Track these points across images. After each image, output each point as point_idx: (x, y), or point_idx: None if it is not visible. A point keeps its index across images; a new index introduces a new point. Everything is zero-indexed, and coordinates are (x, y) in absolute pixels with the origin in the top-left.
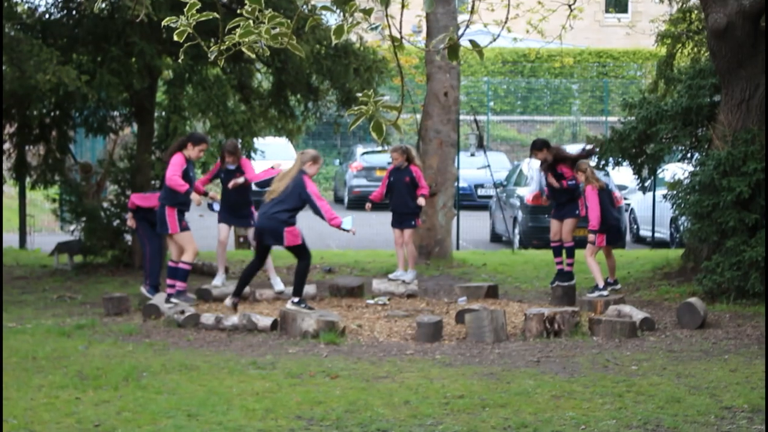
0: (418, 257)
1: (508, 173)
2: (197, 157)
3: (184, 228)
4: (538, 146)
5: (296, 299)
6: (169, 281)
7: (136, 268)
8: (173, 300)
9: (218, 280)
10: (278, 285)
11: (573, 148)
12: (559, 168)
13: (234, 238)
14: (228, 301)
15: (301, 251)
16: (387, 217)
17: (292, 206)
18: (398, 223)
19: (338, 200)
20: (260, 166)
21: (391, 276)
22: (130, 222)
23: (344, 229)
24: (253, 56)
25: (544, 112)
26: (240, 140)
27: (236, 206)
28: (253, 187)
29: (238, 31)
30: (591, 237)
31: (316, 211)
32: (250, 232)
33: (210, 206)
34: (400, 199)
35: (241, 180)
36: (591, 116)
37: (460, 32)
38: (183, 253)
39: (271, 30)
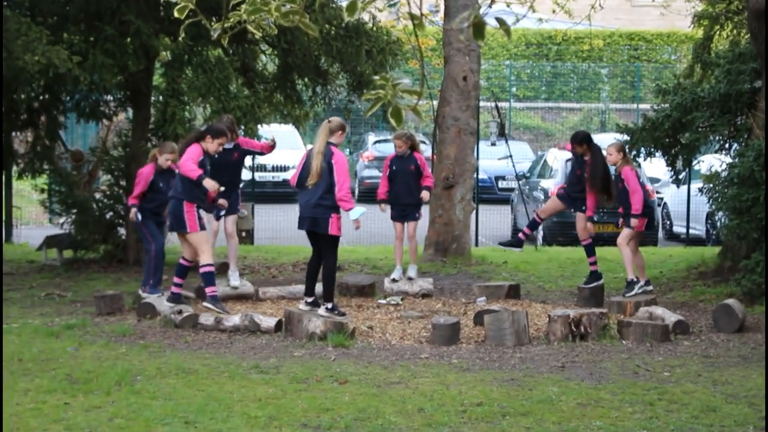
0: (434, 254)
1: (532, 164)
2: (215, 152)
3: (202, 227)
4: (580, 140)
5: (329, 305)
6: (175, 279)
7: (130, 264)
8: (207, 305)
9: (396, 273)
10: (234, 279)
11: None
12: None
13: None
14: (322, 311)
15: (335, 245)
16: None
17: (332, 187)
18: (401, 215)
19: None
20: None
21: (394, 276)
22: (133, 216)
23: (351, 218)
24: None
25: (570, 98)
26: (243, 127)
27: (411, 196)
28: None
29: (245, 7)
30: (634, 221)
31: (331, 184)
32: (230, 220)
33: (217, 214)
34: (405, 188)
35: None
36: (621, 103)
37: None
38: (196, 253)
39: (281, 7)
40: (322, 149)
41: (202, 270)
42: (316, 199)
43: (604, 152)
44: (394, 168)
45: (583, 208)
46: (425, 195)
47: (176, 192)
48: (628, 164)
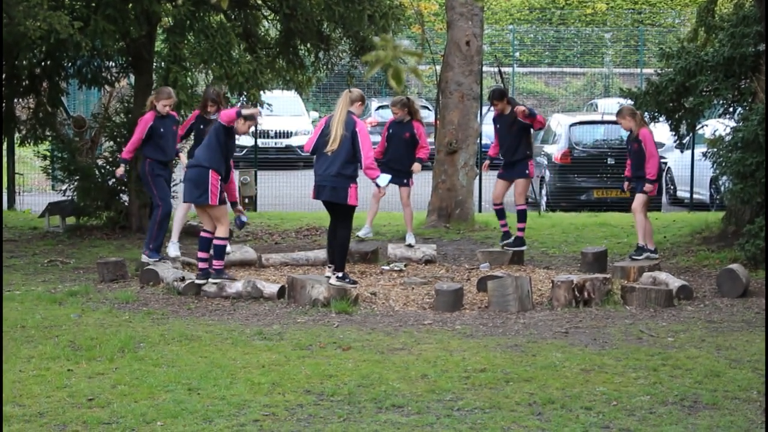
0: (437, 220)
1: None
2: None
3: (223, 200)
4: (499, 96)
5: (340, 274)
6: (201, 254)
7: (133, 231)
8: (213, 280)
9: (364, 231)
10: (174, 250)
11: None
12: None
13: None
14: (333, 280)
15: (351, 215)
16: None
17: (355, 156)
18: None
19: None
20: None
21: (359, 234)
22: (120, 171)
23: (377, 184)
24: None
25: (574, 63)
26: (245, 93)
27: (401, 163)
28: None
29: None
30: (648, 186)
31: (357, 154)
32: None
33: (239, 222)
34: (397, 154)
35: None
36: (625, 68)
37: None
38: (215, 224)
39: None
40: (343, 118)
41: (215, 242)
42: (337, 168)
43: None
44: (390, 132)
45: (526, 172)
46: (416, 167)
47: (201, 160)
48: (645, 126)
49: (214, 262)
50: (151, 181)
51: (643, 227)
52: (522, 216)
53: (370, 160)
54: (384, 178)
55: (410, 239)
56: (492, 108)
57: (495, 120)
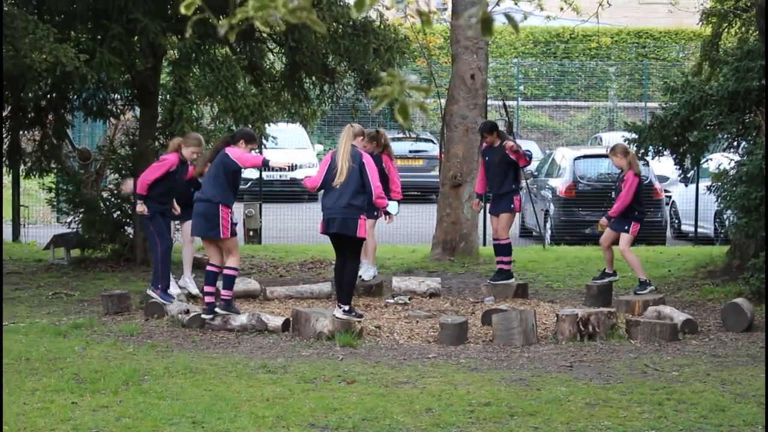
0: (442, 253)
1: (540, 163)
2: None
3: (234, 233)
4: (489, 128)
5: (346, 307)
6: (207, 288)
7: (137, 263)
8: (220, 311)
9: (371, 272)
10: (193, 287)
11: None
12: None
13: (243, 231)
14: (338, 312)
15: (359, 248)
16: (408, 210)
17: (363, 187)
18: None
19: None
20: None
21: (364, 276)
22: (141, 209)
23: (387, 212)
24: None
25: (578, 96)
26: (250, 125)
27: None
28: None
29: (252, 3)
30: (603, 221)
31: (366, 185)
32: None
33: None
34: None
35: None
36: (629, 101)
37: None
38: (221, 257)
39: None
40: (348, 150)
41: (226, 272)
42: (347, 200)
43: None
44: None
45: (511, 206)
46: (393, 208)
47: (209, 194)
48: (633, 170)
49: (223, 292)
50: (149, 218)
51: (636, 264)
52: (503, 249)
53: (379, 190)
54: (393, 206)
55: (371, 271)
56: (482, 140)
57: (484, 152)
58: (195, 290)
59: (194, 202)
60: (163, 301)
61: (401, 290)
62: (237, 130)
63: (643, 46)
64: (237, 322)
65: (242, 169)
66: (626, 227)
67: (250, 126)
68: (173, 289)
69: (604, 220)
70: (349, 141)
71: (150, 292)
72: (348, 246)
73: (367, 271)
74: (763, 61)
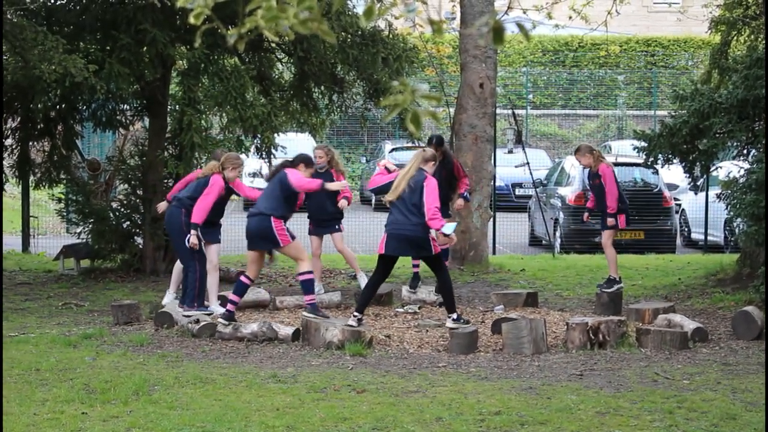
0: (451, 262)
1: (549, 171)
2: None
3: (293, 236)
4: (438, 143)
5: (455, 316)
6: (233, 297)
7: (147, 274)
8: (307, 314)
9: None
10: (363, 281)
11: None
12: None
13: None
14: (351, 318)
15: (439, 263)
16: None
17: (418, 209)
18: (319, 229)
19: (365, 201)
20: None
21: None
22: (195, 241)
23: (444, 233)
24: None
25: (587, 105)
26: (259, 136)
27: (326, 212)
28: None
29: (262, 12)
30: (611, 220)
31: (423, 216)
32: (213, 250)
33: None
34: (318, 203)
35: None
36: (638, 110)
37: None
38: (257, 272)
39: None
40: (412, 174)
41: (301, 278)
42: (415, 221)
43: (575, 159)
44: None
45: (450, 213)
46: (343, 202)
47: (262, 207)
48: (604, 161)
49: (306, 297)
50: (187, 233)
51: (613, 260)
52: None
53: (432, 212)
54: (450, 227)
55: (362, 280)
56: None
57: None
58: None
59: (248, 218)
60: (204, 312)
61: (411, 299)
62: (296, 155)
63: (652, 55)
64: (247, 330)
65: (298, 193)
66: (605, 224)
67: (258, 136)
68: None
69: (587, 216)
70: (417, 164)
71: (184, 312)
72: (432, 263)
73: (362, 280)
74: None
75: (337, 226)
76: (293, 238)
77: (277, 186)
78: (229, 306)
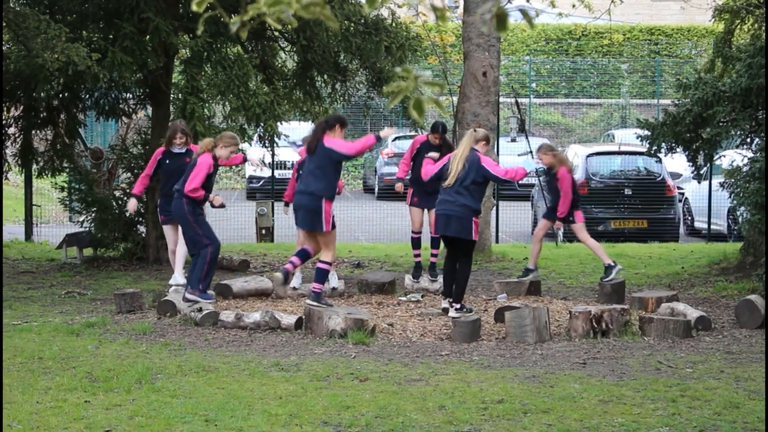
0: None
1: None
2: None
3: (334, 225)
4: (442, 130)
5: (458, 305)
6: (293, 258)
7: (150, 262)
8: (311, 302)
9: (297, 281)
10: (333, 281)
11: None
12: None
13: (256, 229)
14: (452, 312)
15: (472, 250)
16: None
17: (477, 191)
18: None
19: (368, 189)
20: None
21: (295, 285)
22: (219, 202)
23: (529, 173)
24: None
25: (590, 93)
26: (262, 124)
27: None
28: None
29: None
30: (559, 225)
31: (500, 181)
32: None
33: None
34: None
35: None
36: (641, 98)
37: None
38: (318, 246)
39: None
40: (466, 155)
41: (319, 265)
42: (462, 201)
43: (578, 147)
44: (301, 172)
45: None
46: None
47: (313, 188)
48: (565, 165)
49: (314, 285)
50: (193, 221)
51: (597, 248)
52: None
53: (512, 173)
54: (528, 165)
55: (332, 280)
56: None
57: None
58: (181, 280)
59: (295, 194)
60: (205, 300)
61: (414, 288)
62: (330, 117)
63: (656, 43)
64: (250, 320)
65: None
66: (571, 218)
67: (261, 125)
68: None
69: (559, 224)
70: (469, 145)
71: (188, 295)
72: (462, 247)
73: (332, 278)
74: None
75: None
76: (334, 227)
77: (326, 162)
78: (288, 265)
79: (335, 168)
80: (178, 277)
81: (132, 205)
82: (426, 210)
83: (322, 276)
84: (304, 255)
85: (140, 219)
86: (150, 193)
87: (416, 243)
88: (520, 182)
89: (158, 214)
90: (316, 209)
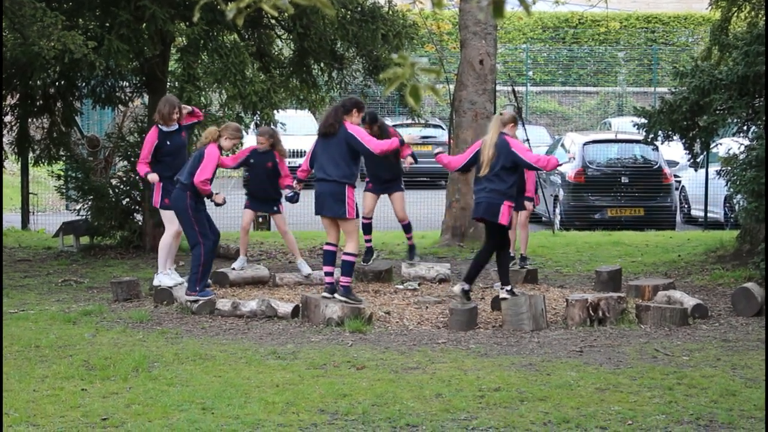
0: (451, 239)
1: (549, 148)
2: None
3: (358, 213)
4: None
5: (509, 287)
6: (326, 268)
7: (147, 251)
8: (340, 297)
9: (239, 263)
10: (305, 268)
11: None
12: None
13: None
14: (457, 288)
15: (504, 234)
16: (418, 195)
17: (508, 175)
18: (258, 205)
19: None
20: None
21: (234, 266)
22: (220, 200)
23: (560, 164)
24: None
25: (587, 82)
26: (259, 112)
27: (265, 192)
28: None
29: None
30: (529, 205)
31: (530, 167)
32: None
33: (290, 198)
34: (260, 184)
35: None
36: (638, 86)
37: None
38: (338, 235)
39: None
40: (494, 140)
41: (345, 257)
42: (491, 187)
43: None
44: (252, 161)
45: (402, 186)
46: (288, 191)
47: (336, 175)
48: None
49: (342, 279)
50: (192, 216)
51: (526, 240)
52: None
53: (543, 162)
54: (561, 156)
55: (304, 268)
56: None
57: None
58: (306, 270)
59: (317, 182)
60: (206, 297)
61: (411, 276)
62: (346, 100)
63: (653, 31)
64: (247, 308)
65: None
66: (523, 206)
67: (258, 113)
68: (305, 270)
69: (530, 205)
70: (497, 130)
71: (188, 297)
72: (492, 232)
73: (303, 267)
74: None
75: (276, 207)
76: (358, 215)
77: (346, 148)
78: (327, 279)
79: (355, 154)
80: (304, 267)
81: (153, 176)
82: (380, 197)
83: (349, 268)
84: (331, 258)
85: (137, 207)
86: (147, 182)
87: (367, 228)
88: None
89: (160, 199)
90: (339, 195)
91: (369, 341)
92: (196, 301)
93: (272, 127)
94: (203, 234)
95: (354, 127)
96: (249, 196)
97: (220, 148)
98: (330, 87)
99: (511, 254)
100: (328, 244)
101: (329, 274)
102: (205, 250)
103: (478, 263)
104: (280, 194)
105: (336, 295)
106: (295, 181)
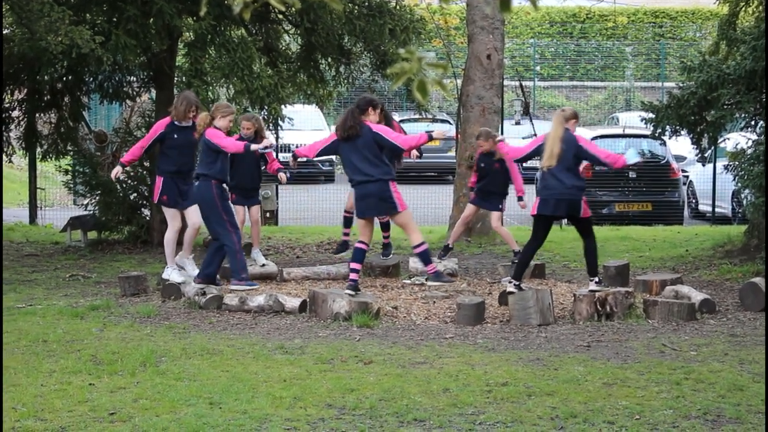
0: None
1: None
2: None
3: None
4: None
5: (597, 279)
6: (354, 265)
7: (154, 245)
8: (432, 282)
9: (259, 257)
10: (260, 258)
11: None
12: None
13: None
14: (509, 285)
15: (591, 225)
16: (425, 190)
17: (576, 169)
18: (243, 199)
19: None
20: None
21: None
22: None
23: (630, 165)
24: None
25: (594, 76)
26: (266, 107)
27: (252, 181)
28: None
29: None
30: (522, 204)
31: (600, 163)
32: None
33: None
34: (245, 172)
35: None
36: (646, 81)
37: None
38: (371, 235)
39: None
40: (560, 135)
41: (417, 250)
42: (570, 183)
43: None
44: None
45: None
46: (282, 176)
47: (377, 174)
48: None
49: (428, 268)
50: (221, 206)
51: (510, 237)
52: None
53: (611, 158)
54: (631, 154)
55: (259, 257)
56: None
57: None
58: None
59: (357, 185)
60: (250, 287)
61: (418, 271)
62: (361, 100)
63: (660, 26)
64: (254, 303)
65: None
66: (500, 206)
67: (265, 108)
68: (176, 277)
69: (523, 203)
70: (561, 125)
71: (234, 286)
72: (582, 226)
73: (258, 256)
74: None
75: (258, 198)
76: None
77: (375, 147)
78: (352, 275)
79: (383, 151)
80: (170, 271)
81: (116, 171)
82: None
83: (427, 257)
84: (360, 255)
85: (144, 202)
86: (154, 177)
87: (347, 222)
88: (524, 165)
89: (159, 195)
90: (386, 193)
91: (376, 336)
92: (236, 290)
93: (255, 115)
94: (232, 223)
95: (378, 126)
96: (234, 190)
97: (218, 129)
98: (337, 82)
99: (516, 250)
100: (360, 242)
101: (355, 270)
102: (236, 238)
103: (589, 254)
104: (260, 185)
105: (428, 282)
106: (291, 157)
